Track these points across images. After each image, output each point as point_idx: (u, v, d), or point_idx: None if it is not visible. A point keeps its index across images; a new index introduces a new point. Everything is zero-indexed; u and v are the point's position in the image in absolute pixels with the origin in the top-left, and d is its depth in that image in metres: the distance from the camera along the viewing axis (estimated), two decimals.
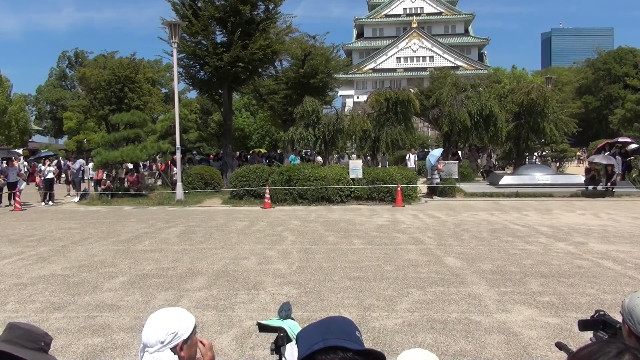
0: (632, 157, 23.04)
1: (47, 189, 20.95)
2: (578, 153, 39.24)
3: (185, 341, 2.04)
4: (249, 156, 35.22)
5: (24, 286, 7.54)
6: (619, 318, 2.14)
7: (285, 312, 2.64)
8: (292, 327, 2.56)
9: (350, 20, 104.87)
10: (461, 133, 24.26)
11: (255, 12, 22.83)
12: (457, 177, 21.30)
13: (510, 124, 24.94)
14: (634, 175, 21.84)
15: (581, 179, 20.86)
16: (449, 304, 6.32)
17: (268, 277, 7.82)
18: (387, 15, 79.61)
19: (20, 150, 43.49)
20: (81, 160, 24.15)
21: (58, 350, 5.08)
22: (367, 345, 1.64)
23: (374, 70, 75.37)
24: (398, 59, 75.18)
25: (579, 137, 37.93)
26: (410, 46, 74.79)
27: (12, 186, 20.03)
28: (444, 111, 24.22)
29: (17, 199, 19.06)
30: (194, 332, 2.09)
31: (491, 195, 19.83)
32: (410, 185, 18.90)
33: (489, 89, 26.50)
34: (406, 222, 13.57)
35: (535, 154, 31.85)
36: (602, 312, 2.30)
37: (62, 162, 34.54)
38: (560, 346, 2.50)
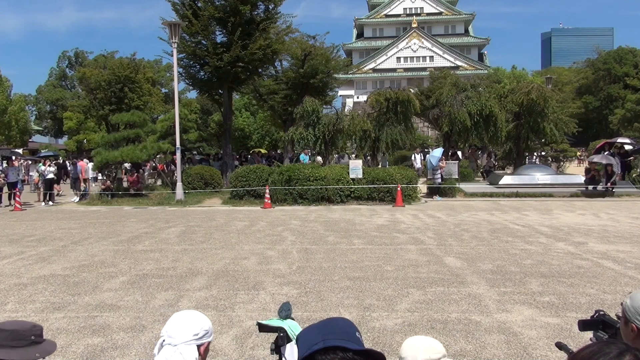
0: (631, 157, 23.06)
1: (47, 189, 20.95)
2: (578, 153, 39.24)
3: (209, 343, 2.07)
4: (249, 156, 35.24)
5: (24, 286, 7.54)
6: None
7: (285, 312, 2.64)
8: (292, 327, 2.56)
9: (350, 20, 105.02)
10: (461, 133, 24.28)
11: (255, 12, 22.84)
12: (457, 177, 21.30)
13: (510, 124, 24.95)
14: (634, 175, 21.84)
15: (581, 179, 20.86)
16: (449, 304, 6.32)
17: (268, 277, 7.82)
18: (387, 15, 79.60)
19: (20, 150, 43.47)
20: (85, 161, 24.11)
21: (58, 350, 5.07)
22: (367, 345, 1.64)
23: (374, 70, 75.36)
24: (398, 59, 75.17)
25: (579, 137, 37.93)
26: (410, 46, 74.78)
27: (12, 186, 20.04)
28: (444, 111, 24.23)
29: (17, 199, 19.06)
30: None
31: (491, 195, 19.82)
32: (410, 185, 18.90)
33: (489, 89, 26.53)
34: (406, 222, 13.57)
35: (535, 154, 31.86)
36: (602, 312, 2.30)
37: (67, 163, 34.29)
38: (560, 346, 2.50)
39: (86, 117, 47.81)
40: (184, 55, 23.08)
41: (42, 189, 21.37)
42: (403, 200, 17.71)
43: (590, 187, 19.86)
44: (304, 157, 23.27)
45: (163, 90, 53.81)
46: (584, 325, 2.32)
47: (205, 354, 2.06)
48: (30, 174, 22.58)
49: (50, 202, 20.56)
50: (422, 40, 74.61)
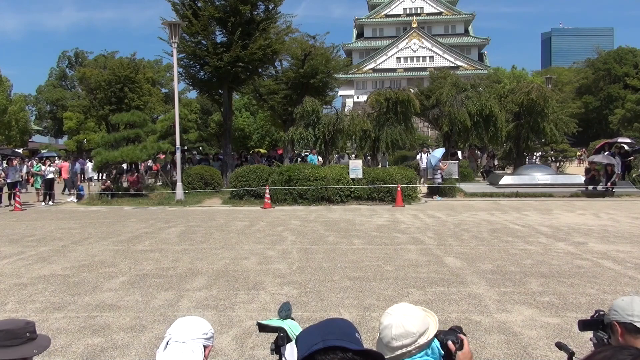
0: (631, 157, 23.06)
1: (47, 189, 20.95)
2: (578, 153, 39.25)
3: (210, 349, 2.09)
4: (248, 156, 35.23)
5: (24, 286, 7.54)
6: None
7: (285, 312, 2.65)
8: (292, 327, 2.56)
9: (350, 20, 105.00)
10: (461, 133, 24.28)
11: (255, 12, 22.83)
12: (457, 177, 21.30)
13: (510, 124, 24.96)
14: (634, 175, 21.84)
15: (581, 179, 20.86)
16: (449, 304, 6.32)
17: (268, 277, 7.82)
18: (387, 15, 79.62)
19: (20, 150, 43.48)
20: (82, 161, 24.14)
21: (58, 350, 5.08)
22: (367, 345, 1.64)
23: (374, 70, 75.37)
24: (398, 59, 75.18)
25: (579, 137, 37.96)
26: (410, 46, 74.79)
27: (12, 186, 20.04)
28: (444, 111, 24.22)
29: (17, 199, 19.06)
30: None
31: (491, 195, 19.82)
32: (410, 185, 18.90)
33: (489, 89, 26.53)
34: (406, 222, 13.57)
35: (536, 154, 31.87)
36: (602, 312, 2.30)
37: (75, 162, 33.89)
38: (560, 346, 2.50)
39: (86, 117, 47.81)
40: (184, 55, 23.07)
41: (42, 189, 21.38)
42: (403, 200, 17.71)
43: (590, 187, 19.85)
44: (313, 158, 23.11)
45: (163, 90, 53.79)
46: (584, 325, 2.32)
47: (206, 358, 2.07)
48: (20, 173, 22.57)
49: (50, 202, 20.55)
50: (422, 40, 74.63)
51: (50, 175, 21.42)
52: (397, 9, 79.36)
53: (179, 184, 19.99)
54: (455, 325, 2.09)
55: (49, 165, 22.38)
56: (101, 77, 41.68)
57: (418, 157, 29.15)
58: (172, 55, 21.10)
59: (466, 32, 79.48)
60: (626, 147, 23.22)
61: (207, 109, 47.89)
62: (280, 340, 2.50)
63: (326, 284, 7.34)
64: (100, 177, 27.57)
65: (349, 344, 1.48)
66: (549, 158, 31.47)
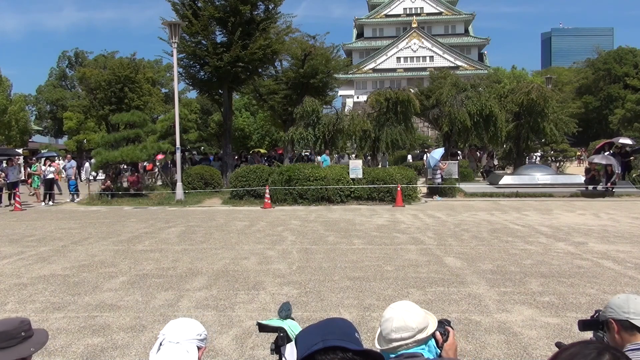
0: (631, 157, 23.05)
1: (47, 189, 20.94)
2: (578, 153, 39.25)
3: (204, 350, 2.09)
4: (248, 156, 35.24)
5: (24, 286, 7.54)
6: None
7: (285, 312, 2.64)
8: (292, 327, 2.56)
9: (351, 20, 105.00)
10: (461, 133, 24.29)
11: (255, 12, 22.85)
12: (457, 177, 21.31)
13: (510, 124, 24.96)
14: (634, 175, 21.84)
15: (581, 179, 20.86)
16: (449, 304, 6.32)
17: (268, 277, 7.82)
18: (387, 15, 79.64)
19: (20, 150, 43.47)
20: (73, 162, 23.94)
21: (58, 350, 5.08)
22: (367, 345, 1.64)
23: (374, 70, 75.39)
24: (398, 59, 75.20)
25: (579, 137, 37.97)
26: (410, 46, 74.81)
27: (12, 186, 20.03)
28: (444, 111, 24.24)
29: (17, 199, 19.06)
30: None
31: (491, 195, 19.82)
32: (410, 185, 18.90)
33: (489, 89, 26.55)
34: (406, 222, 13.57)
35: (536, 154, 31.87)
36: (602, 312, 2.30)
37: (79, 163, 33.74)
38: (560, 346, 2.49)
39: (86, 117, 47.79)
40: (184, 55, 23.08)
41: (42, 189, 21.36)
42: (403, 200, 17.71)
43: (590, 187, 19.85)
44: (326, 158, 22.99)
45: (163, 90, 53.79)
46: (584, 325, 2.32)
47: None
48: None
49: (50, 202, 20.55)
50: (422, 40, 74.64)
51: (50, 176, 21.41)
52: (397, 9, 79.39)
53: (179, 184, 19.99)
54: (443, 318, 2.17)
55: (49, 166, 22.37)
56: (101, 77, 41.68)
57: (424, 157, 29.15)
58: (172, 55, 21.11)
59: (466, 32, 79.51)
60: (629, 142, 23.12)
61: (207, 109, 47.89)
62: (280, 340, 2.50)
63: (326, 284, 7.34)
64: (95, 177, 27.57)
65: (349, 344, 1.49)
66: (549, 158, 31.48)
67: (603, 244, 10.12)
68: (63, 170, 25.52)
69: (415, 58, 74.71)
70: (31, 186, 22.67)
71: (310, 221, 14.07)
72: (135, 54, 48.44)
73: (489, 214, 15.12)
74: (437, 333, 2.03)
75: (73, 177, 22.08)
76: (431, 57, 74.00)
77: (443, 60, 72.49)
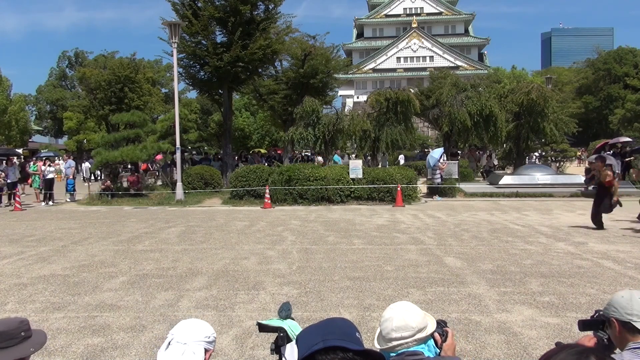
0: (631, 157, 23.05)
1: (47, 189, 20.94)
2: (578, 153, 39.24)
3: (212, 352, 2.09)
4: (248, 156, 35.25)
5: (24, 286, 7.54)
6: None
7: (285, 312, 2.64)
8: (292, 327, 2.55)
9: (350, 20, 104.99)
10: (461, 133, 24.29)
11: (255, 12, 22.86)
12: (457, 177, 21.31)
13: (510, 124, 24.95)
14: (634, 175, 21.82)
15: (581, 179, 20.83)
16: (449, 304, 6.32)
17: (268, 277, 7.82)
18: (387, 15, 79.66)
19: (20, 150, 43.49)
20: (72, 162, 23.93)
21: (58, 350, 5.08)
22: (367, 345, 1.64)
23: (374, 70, 75.40)
24: (398, 59, 75.21)
25: (579, 137, 37.97)
26: (410, 46, 74.83)
27: (12, 186, 20.03)
28: (444, 111, 24.24)
29: (17, 199, 19.06)
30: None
31: (491, 195, 19.82)
32: (410, 185, 18.90)
33: (489, 89, 26.54)
34: (406, 222, 13.57)
35: (536, 154, 31.84)
36: (602, 312, 2.29)
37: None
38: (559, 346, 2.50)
39: (86, 117, 47.81)
40: (184, 55, 23.08)
41: (42, 189, 21.36)
42: (403, 200, 17.71)
43: (590, 187, 19.82)
44: (337, 158, 23.03)
45: (163, 90, 53.81)
46: (584, 325, 2.32)
47: None
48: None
49: (50, 202, 20.55)
50: (422, 40, 74.65)
51: (50, 175, 21.41)
52: (397, 9, 79.42)
53: (179, 184, 19.99)
54: (440, 319, 2.19)
55: (49, 165, 22.36)
56: (101, 77, 41.67)
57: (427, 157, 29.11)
58: (172, 55, 21.11)
59: (466, 32, 79.53)
60: (629, 139, 23.13)
61: (207, 109, 47.91)
62: (280, 340, 2.50)
63: (326, 284, 7.33)
64: (94, 177, 27.54)
65: (349, 344, 1.49)
66: (549, 158, 31.47)
67: (603, 244, 10.12)
68: (62, 170, 25.52)
69: (415, 58, 74.73)
70: (31, 186, 22.70)
71: (310, 221, 14.07)
72: (135, 54, 48.50)
73: (489, 214, 15.12)
74: (436, 334, 2.05)
75: (71, 177, 22.09)
76: (431, 57, 74.02)
77: (443, 60, 72.51)
